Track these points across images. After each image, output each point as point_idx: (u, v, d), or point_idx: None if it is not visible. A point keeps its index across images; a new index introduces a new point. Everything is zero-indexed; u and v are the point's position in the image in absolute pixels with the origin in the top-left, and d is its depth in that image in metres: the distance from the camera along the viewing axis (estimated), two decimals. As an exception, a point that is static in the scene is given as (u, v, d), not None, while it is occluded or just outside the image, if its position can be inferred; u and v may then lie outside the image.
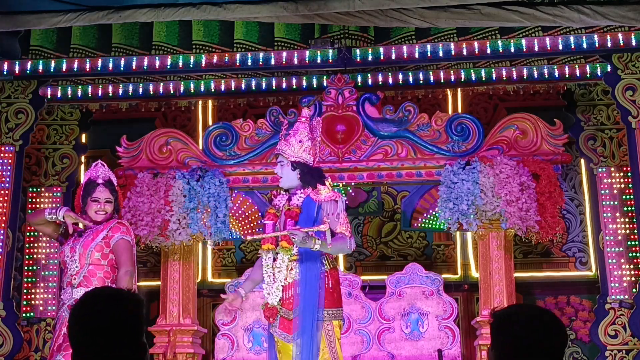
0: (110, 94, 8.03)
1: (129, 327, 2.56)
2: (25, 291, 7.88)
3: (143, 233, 7.05)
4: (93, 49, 7.52)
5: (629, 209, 7.51)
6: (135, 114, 8.42)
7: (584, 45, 7.19)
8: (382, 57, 7.42)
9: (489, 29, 7.24)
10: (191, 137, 7.87)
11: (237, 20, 7.17)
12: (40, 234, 7.94)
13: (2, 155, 7.50)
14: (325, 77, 7.78)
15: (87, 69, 7.50)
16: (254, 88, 8.01)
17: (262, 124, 7.54)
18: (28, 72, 7.51)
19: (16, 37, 7.41)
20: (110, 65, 7.50)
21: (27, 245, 7.96)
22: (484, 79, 7.81)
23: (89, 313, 2.57)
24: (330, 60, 7.45)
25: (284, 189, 5.43)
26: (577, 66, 7.67)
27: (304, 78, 7.98)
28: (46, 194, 8.09)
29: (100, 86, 8.00)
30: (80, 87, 7.98)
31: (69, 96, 8.02)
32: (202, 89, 8.05)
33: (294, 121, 5.70)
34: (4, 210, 7.36)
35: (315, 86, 7.93)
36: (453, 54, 7.31)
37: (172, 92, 8.05)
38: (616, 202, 7.63)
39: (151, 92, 8.04)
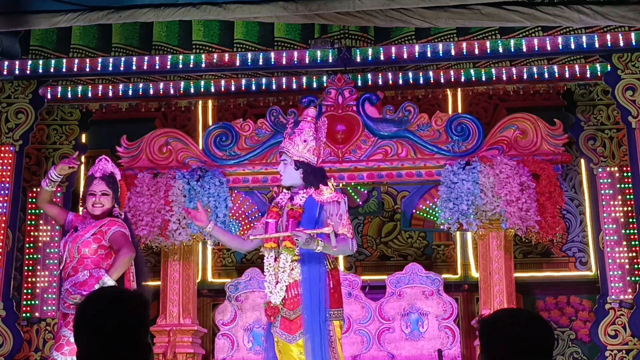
0: (110, 94, 8.03)
1: (133, 327, 2.56)
2: (25, 291, 7.87)
3: (143, 233, 7.06)
4: (93, 49, 7.52)
5: (629, 209, 7.51)
6: (135, 114, 8.41)
7: (584, 45, 7.19)
8: (382, 57, 7.41)
9: (489, 29, 7.24)
10: (191, 137, 7.88)
11: (237, 20, 7.17)
12: (40, 234, 7.97)
13: (2, 155, 7.50)
14: (325, 77, 7.78)
15: (87, 69, 7.50)
16: (254, 88, 8.01)
17: (262, 124, 7.54)
18: (28, 72, 7.51)
19: (16, 37, 7.42)
20: (110, 65, 7.50)
21: (27, 246, 7.95)
22: (484, 79, 7.81)
23: (93, 313, 2.58)
24: (330, 60, 7.45)
25: (285, 187, 5.42)
26: (577, 66, 7.67)
27: (304, 78, 7.98)
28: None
29: (100, 86, 8.00)
30: (80, 87, 7.98)
31: (69, 96, 8.02)
32: (202, 89, 8.04)
33: (299, 120, 5.68)
34: (4, 210, 7.36)
35: (315, 86, 7.93)
36: (453, 54, 7.31)
37: (172, 92, 8.05)
38: (616, 202, 7.63)
39: (151, 92, 8.04)
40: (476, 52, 7.31)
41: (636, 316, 7.08)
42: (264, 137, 7.52)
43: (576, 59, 7.61)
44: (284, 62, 7.45)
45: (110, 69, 7.52)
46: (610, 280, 7.47)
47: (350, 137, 7.41)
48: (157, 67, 7.48)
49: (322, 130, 5.43)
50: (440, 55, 7.34)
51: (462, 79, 7.82)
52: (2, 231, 7.29)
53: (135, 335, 2.56)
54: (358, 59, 7.44)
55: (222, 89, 8.03)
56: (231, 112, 8.84)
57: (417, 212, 7.54)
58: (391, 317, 7.49)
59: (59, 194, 8.11)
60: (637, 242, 7.46)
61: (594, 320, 7.49)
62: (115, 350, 2.52)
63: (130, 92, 8.03)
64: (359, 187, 7.62)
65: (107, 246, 5.41)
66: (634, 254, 7.51)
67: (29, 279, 7.92)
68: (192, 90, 8.05)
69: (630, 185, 7.47)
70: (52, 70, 7.51)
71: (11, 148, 7.53)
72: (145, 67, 7.49)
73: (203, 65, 7.48)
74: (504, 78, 7.77)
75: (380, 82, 7.85)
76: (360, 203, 7.62)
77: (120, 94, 8.03)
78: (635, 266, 7.49)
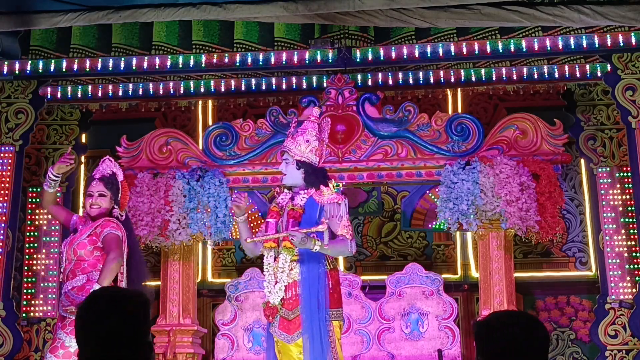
0: (110, 94, 8.03)
1: (133, 326, 2.56)
2: (25, 291, 7.87)
3: (143, 233, 7.06)
4: (93, 49, 7.52)
5: (629, 209, 7.51)
6: (135, 114, 8.41)
7: (584, 45, 7.19)
8: (382, 57, 7.41)
9: (489, 29, 7.24)
10: (191, 137, 7.87)
11: (237, 20, 7.17)
12: (41, 234, 7.97)
13: (2, 155, 7.50)
14: (325, 77, 7.78)
15: (87, 69, 7.50)
16: (254, 88, 8.01)
17: (262, 124, 7.54)
18: (28, 72, 7.51)
19: (16, 37, 7.42)
20: (110, 65, 7.49)
21: (27, 245, 7.95)
22: (484, 79, 7.81)
23: (94, 312, 2.58)
24: (330, 60, 7.45)
25: (286, 187, 5.42)
26: (577, 66, 7.67)
27: (304, 78, 7.98)
28: (46, 194, 8.08)
29: (100, 86, 8.00)
30: (80, 87, 7.98)
31: (69, 96, 8.02)
32: (202, 89, 8.04)
33: (303, 120, 5.68)
34: (4, 210, 7.36)
35: (315, 86, 7.93)
36: (453, 54, 7.31)
37: (172, 92, 8.05)
38: (616, 202, 7.63)
39: (151, 92, 8.04)
40: (476, 52, 7.30)
41: (636, 316, 7.08)
42: (264, 137, 7.52)
43: (576, 59, 7.61)
44: (284, 62, 7.45)
45: (110, 69, 7.51)
46: (610, 280, 7.47)
47: (350, 137, 7.40)
48: (157, 67, 7.48)
49: (325, 131, 5.43)
50: (440, 55, 7.34)
51: (462, 79, 7.82)
52: (2, 231, 7.29)
53: (136, 334, 2.56)
54: (358, 59, 7.44)
55: (222, 89, 8.03)
56: (231, 112, 8.84)
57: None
58: (391, 317, 7.49)
59: (59, 194, 8.11)
60: (637, 242, 7.45)
61: (594, 320, 7.49)
62: (116, 350, 2.52)
63: (130, 92, 8.03)
64: (359, 187, 7.62)
65: (102, 247, 5.37)
66: (634, 254, 7.51)
67: (29, 279, 7.92)
68: (192, 90, 8.05)
69: (630, 185, 7.47)
70: (52, 70, 7.51)
71: (11, 148, 7.53)
72: (145, 67, 7.49)
73: (203, 65, 7.48)
74: (504, 78, 7.77)
75: (380, 82, 7.85)
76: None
77: (120, 94, 8.03)
78: (636, 266, 7.49)
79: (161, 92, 8.04)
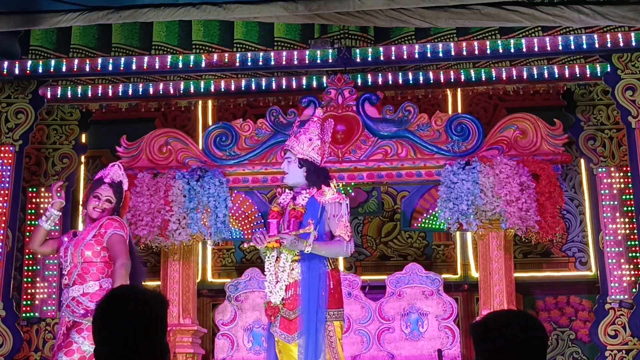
0: (110, 94, 8.03)
1: (151, 327, 2.57)
2: (25, 291, 7.87)
3: (143, 233, 7.06)
4: (93, 49, 7.52)
5: (629, 209, 7.51)
6: (135, 114, 8.42)
7: (584, 45, 7.19)
8: (382, 57, 7.41)
9: (488, 29, 7.24)
10: (191, 137, 7.87)
11: (237, 20, 7.17)
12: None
13: (2, 155, 7.50)
14: (325, 77, 7.78)
15: (87, 69, 7.50)
16: (254, 88, 8.01)
17: (262, 124, 7.54)
18: (28, 72, 7.50)
19: (16, 37, 7.42)
20: (110, 65, 7.49)
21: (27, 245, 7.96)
22: (484, 79, 7.81)
23: (111, 312, 2.58)
24: (330, 60, 7.45)
25: (288, 187, 5.42)
26: (577, 66, 7.67)
27: (304, 78, 7.98)
28: (46, 194, 8.07)
29: (100, 86, 8.00)
30: (80, 87, 7.98)
31: (69, 96, 8.02)
32: (202, 89, 8.05)
33: (305, 119, 5.69)
34: (4, 210, 7.36)
35: (315, 86, 7.93)
36: (453, 54, 7.31)
37: (172, 92, 8.05)
38: (616, 202, 7.63)
39: (151, 92, 8.04)
40: (476, 52, 7.30)
41: (636, 316, 7.08)
42: (263, 137, 7.51)
43: (576, 59, 7.61)
44: (284, 62, 7.45)
45: (110, 69, 7.51)
46: (610, 280, 7.47)
47: (350, 137, 7.40)
48: (157, 67, 7.48)
49: (328, 133, 5.45)
50: (440, 55, 7.34)
51: (462, 79, 7.82)
52: (2, 231, 7.29)
53: (152, 335, 2.57)
54: (358, 59, 7.44)
55: (222, 89, 8.04)
56: (231, 112, 8.84)
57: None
58: (391, 317, 7.49)
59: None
60: (637, 242, 7.46)
61: (594, 320, 7.49)
62: (132, 350, 2.52)
63: (130, 92, 8.03)
64: (359, 187, 7.62)
65: (107, 247, 5.34)
66: (634, 254, 7.51)
67: (29, 279, 7.92)
68: (192, 90, 8.06)
69: (630, 185, 7.48)
70: (52, 70, 7.51)
71: (11, 148, 7.53)
72: (145, 67, 7.49)
73: (203, 65, 7.48)
74: (504, 78, 7.77)
75: (380, 82, 7.85)
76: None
77: (120, 94, 8.03)
78: (636, 266, 7.49)
79: (161, 92, 8.04)
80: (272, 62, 7.44)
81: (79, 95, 8.03)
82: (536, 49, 7.24)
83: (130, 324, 2.54)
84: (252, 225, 7.51)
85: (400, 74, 7.84)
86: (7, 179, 7.43)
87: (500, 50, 7.29)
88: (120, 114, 8.43)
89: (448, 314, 7.44)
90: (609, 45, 7.15)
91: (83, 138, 8.47)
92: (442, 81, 7.85)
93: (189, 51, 7.46)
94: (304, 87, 7.97)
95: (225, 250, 8.80)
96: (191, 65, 7.48)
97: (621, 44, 7.13)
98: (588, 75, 7.67)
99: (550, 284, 8.39)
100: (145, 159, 7.56)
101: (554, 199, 7.03)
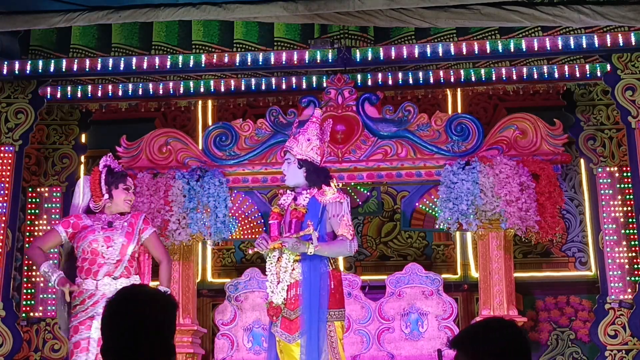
0: (110, 94, 8.03)
1: (160, 327, 2.58)
2: (25, 291, 7.87)
3: (143, 233, 7.06)
4: (93, 49, 7.52)
5: (629, 209, 7.51)
6: (135, 114, 8.42)
7: (584, 45, 7.18)
8: (382, 57, 7.41)
9: (488, 29, 7.24)
10: (191, 137, 7.87)
11: (237, 20, 7.17)
12: (40, 234, 7.96)
13: (2, 155, 7.50)
14: (325, 77, 7.78)
15: (87, 69, 7.49)
16: (253, 88, 8.01)
17: (262, 124, 7.54)
18: (28, 72, 7.50)
19: (16, 37, 7.42)
20: (110, 65, 7.49)
21: (27, 245, 7.94)
22: (484, 79, 7.81)
23: (122, 311, 2.60)
24: (330, 60, 7.45)
25: (289, 188, 5.42)
26: (577, 66, 7.67)
27: (304, 78, 7.98)
28: (46, 194, 8.09)
29: (100, 86, 8.00)
30: (80, 87, 7.98)
31: (69, 96, 8.02)
32: (202, 89, 8.04)
33: (304, 120, 5.70)
34: (4, 210, 7.36)
35: (315, 86, 7.92)
36: (453, 54, 7.31)
37: (172, 92, 8.05)
38: (616, 202, 7.63)
39: (151, 92, 8.04)
40: (476, 52, 7.30)
41: (636, 316, 7.08)
42: (263, 137, 7.51)
43: (576, 59, 7.61)
44: (284, 62, 7.45)
45: (110, 69, 7.51)
46: (610, 280, 7.47)
47: (350, 137, 7.40)
48: (157, 67, 7.48)
49: (327, 133, 5.45)
50: (440, 55, 7.34)
51: (462, 79, 7.82)
52: (2, 231, 7.29)
53: (161, 335, 2.58)
54: (358, 59, 7.44)
55: (222, 89, 8.03)
56: (231, 112, 8.84)
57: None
58: (391, 317, 7.49)
59: (59, 194, 8.12)
60: (636, 242, 7.46)
61: (594, 320, 7.49)
62: (140, 349, 2.53)
63: (130, 92, 8.03)
64: (358, 187, 7.62)
65: (143, 245, 5.54)
66: (634, 254, 7.52)
67: (29, 279, 7.91)
68: (192, 90, 8.05)
69: (630, 185, 7.48)
70: (52, 70, 7.51)
71: (11, 148, 7.53)
72: (145, 67, 7.49)
73: (203, 65, 7.48)
74: (504, 78, 7.77)
75: (380, 82, 7.85)
76: (360, 203, 7.62)
77: (120, 94, 8.03)
78: (635, 266, 7.49)
79: (161, 92, 8.04)
80: (272, 62, 7.44)
81: (79, 95, 8.03)
82: (536, 49, 7.24)
83: (140, 323, 2.56)
84: (251, 225, 7.51)
85: (400, 74, 7.84)
86: (7, 179, 7.43)
87: (500, 50, 7.29)
88: (120, 114, 8.43)
89: (448, 314, 7.44)
90: (608, 45, 7.15)
91: (83, 138, 8.47)
92: (442, 81, 7.84)
93: (189, 51, 7.46)
94: (304, 87, 7.97)
95: (225, 250, 8.80)
96: (191, 65, 7.48)
97: (621, 44, 7.13)
98: (588, 75, 7.67)
99: (550, 284, 8.39)
100: (145, 159, 7.56)
101: (554, 199, 7.03)
